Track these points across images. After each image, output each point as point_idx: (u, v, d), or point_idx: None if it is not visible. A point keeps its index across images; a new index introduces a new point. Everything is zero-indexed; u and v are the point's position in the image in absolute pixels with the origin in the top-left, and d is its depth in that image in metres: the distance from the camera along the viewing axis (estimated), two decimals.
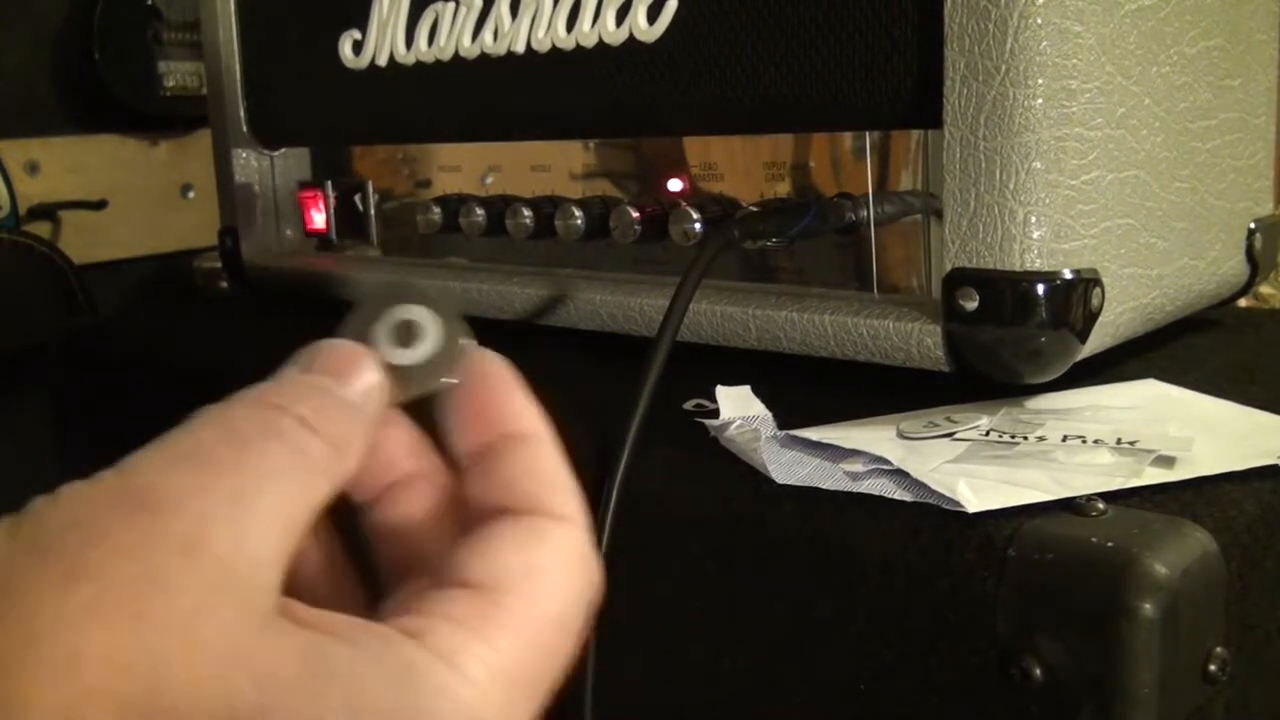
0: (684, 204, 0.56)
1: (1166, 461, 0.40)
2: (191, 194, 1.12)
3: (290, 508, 0.24)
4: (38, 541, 0.21)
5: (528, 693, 0.25)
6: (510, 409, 0.29)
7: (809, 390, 0.51)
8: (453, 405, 0.29)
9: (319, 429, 0.25)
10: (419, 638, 0.23)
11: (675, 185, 0.59)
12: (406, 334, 0.28)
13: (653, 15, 0.55)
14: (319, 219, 0.76)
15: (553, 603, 0.26)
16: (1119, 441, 0.42)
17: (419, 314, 0.29)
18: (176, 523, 0.22)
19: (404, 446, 0.30)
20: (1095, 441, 0.42)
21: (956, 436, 0.43)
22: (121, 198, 1.06)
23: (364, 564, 0.31)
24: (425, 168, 0.71)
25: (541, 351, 0.62)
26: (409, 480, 0.30)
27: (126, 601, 0.21)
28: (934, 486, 0.38)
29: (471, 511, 0.28)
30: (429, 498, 0.30)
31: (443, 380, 0.29)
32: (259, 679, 0.21)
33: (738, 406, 0.46)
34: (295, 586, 0.25)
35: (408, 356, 0.28)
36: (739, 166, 0.57)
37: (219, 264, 0.84)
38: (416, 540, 0.29)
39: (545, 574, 0.26)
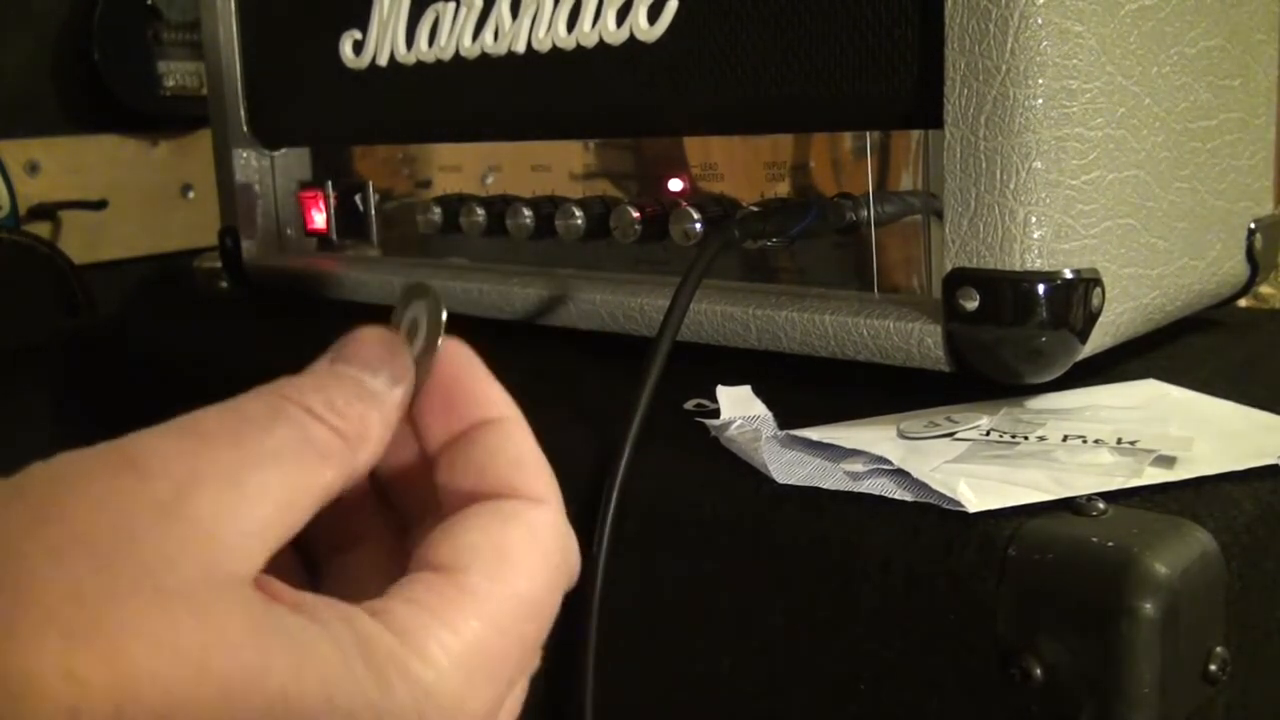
0: (684, 204, 0.56)
1: (1167, 461, 0.40)
2: (191, 194, 1.12)
3: (287, 489, 0.24)
4: (19, 489, 0.22)
5: (490, 675, 0.24)
6: (477, 396, 0.29)
7: (809, 390, 0.51)
8: (423, 397, 0.29)
9: (327, 419, 0.25)
10: (379, 616, 0.23)
11: (675, 185, 0.59)
12: (410, 335, 0.29)
13: (653, 15, 0.55)
14: (319, 219, 0.76)
15: (521, 583, 0.25)
16: (1119, 441, 0.42)
17: (421, 320, 0.29)
18: (159, 485, 0.22)
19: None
20: (1096, 441, 0.42)
21: (957, 436, 0.43)
22: (121, 198, 1.06)
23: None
24: (425, 168, 0.71)
25: (541, 351, 0.62)
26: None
27: (91, 546, 0.21)
28: (934, 486, 0.38)
29: (445, 500, 0.28)
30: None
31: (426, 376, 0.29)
32: (207, 635, 0.21)
33: (738, 406, 0.46)
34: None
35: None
36: (739, 166, 0.57)
37: (219, 264, 0.84)
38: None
39: (513, 555, 0.26)
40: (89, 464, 0.22)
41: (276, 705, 0.21)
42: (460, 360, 0.29)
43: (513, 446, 0.28)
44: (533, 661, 0.26)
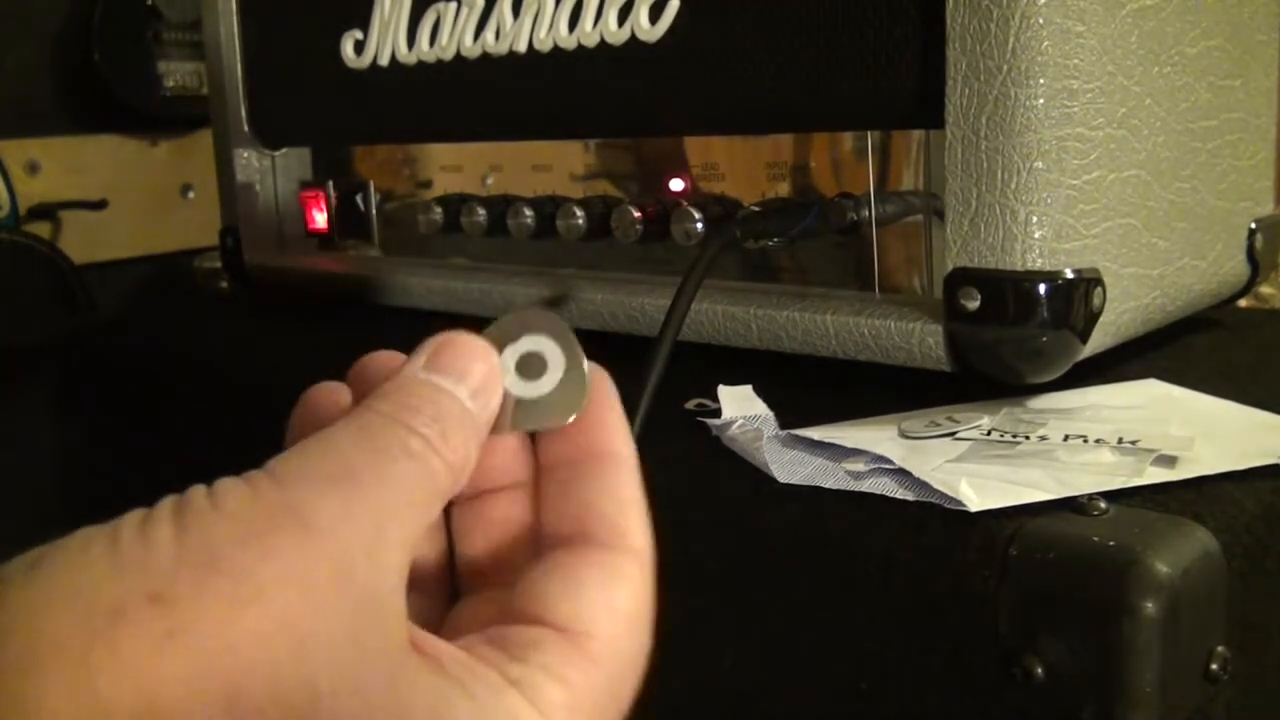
0: (685, 204, 0.56)
1: (1168, 461, 0.40)
2: (191, 194, 1.12)
3: (415, 531, 0.25)
4: (210, 552, 0.22)
5: None
6: (606, 426, 0.29)
7: (811, 390, 0.51)
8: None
9: (443, 451, 0.26)
10: (520, 687, 0.25)
11: (677, 185, 0.59)
12: (531, 366, 0.28)
13: (654, 15, 0.55)
14: (320, 219, 0.76)
15: (629, 647, 0.27)
16: (1120, 441, 0.42)
17: (550, 350, 0.28)
18: (331, 547, 0.23)
19: (507, 455, 0.30)
20: (1097, 441, 0.42)
21: (958, 436, 0.43)
22: (121, 198, 1.06)
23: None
24: (426, 168, 0.71)
25: None
26: (506, 488, 0.30)
27: (290, 629, 0.22)
28: (936, 486, 0.38)
29: (547, 521, 0.29)
30: (519, 508, 0.30)
31: (556, 420, 0.28)
32: (397, 714, 0.23)
33: (740, 406, 0.46)
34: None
35: (528, 390, 0.28)
36: (740, 166, 0.57)
37: (219, 264, 0.84)
38: (500, 544, 0.30)
39: (624, 617, 0.27)
40: (266, 527, 0.23)
41: None
42: (602, 388, 0.29)
43: (625, 490, 0.28)
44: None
